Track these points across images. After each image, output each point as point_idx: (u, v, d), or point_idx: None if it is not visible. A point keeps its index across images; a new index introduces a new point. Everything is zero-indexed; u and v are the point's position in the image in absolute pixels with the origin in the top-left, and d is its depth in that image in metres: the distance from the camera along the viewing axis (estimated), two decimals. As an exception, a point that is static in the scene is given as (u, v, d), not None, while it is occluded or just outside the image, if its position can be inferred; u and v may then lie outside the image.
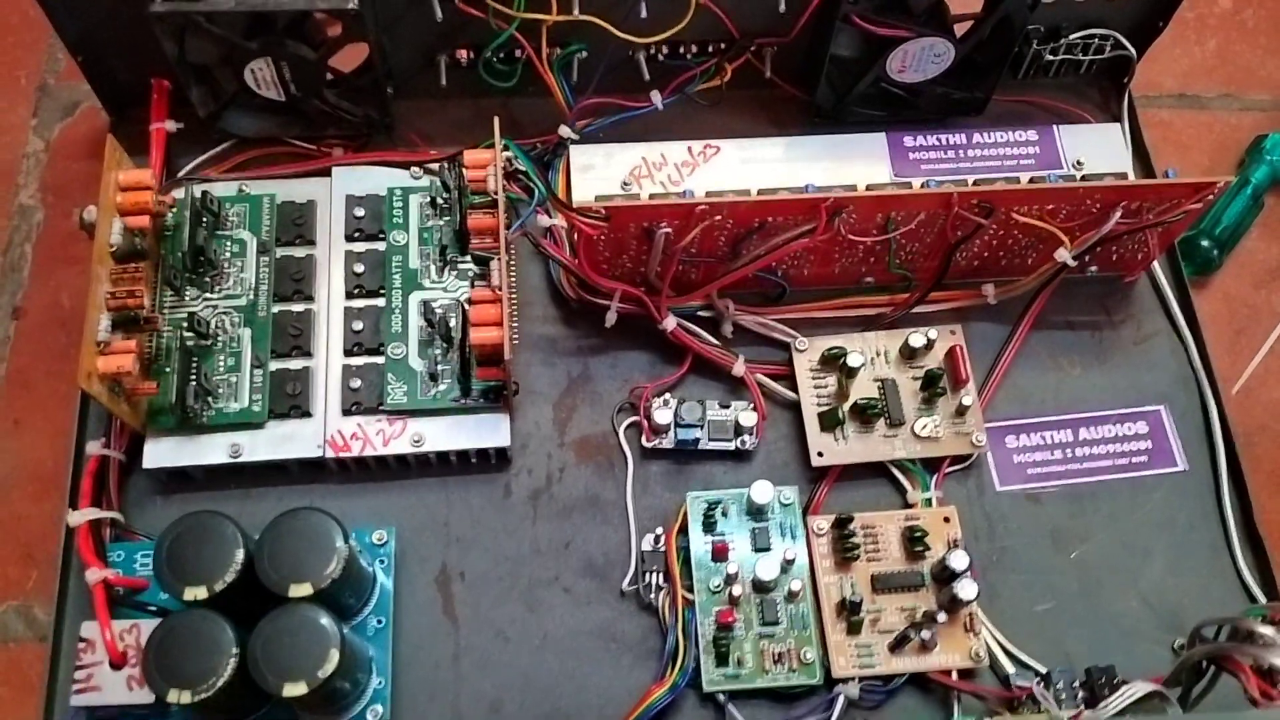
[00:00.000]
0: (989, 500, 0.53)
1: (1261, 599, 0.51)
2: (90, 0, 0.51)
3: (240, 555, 0.42)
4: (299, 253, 0.53)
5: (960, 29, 0.55)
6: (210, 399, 0.49)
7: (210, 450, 0.49)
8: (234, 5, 0.49)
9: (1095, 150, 0.58)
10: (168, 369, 0.49)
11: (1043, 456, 0.54)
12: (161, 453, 0.49)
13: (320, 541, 0.42)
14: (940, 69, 0.55)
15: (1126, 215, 0.50)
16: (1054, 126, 0.58)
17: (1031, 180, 0.56)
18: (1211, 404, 0.55)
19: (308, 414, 0.50)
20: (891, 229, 0.51)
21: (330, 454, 0.49)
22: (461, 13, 0.52)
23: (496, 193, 0.49)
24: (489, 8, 0.52)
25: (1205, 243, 0.58)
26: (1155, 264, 0.57)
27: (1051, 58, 0.59)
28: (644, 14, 0.53)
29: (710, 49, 0.57)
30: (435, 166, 0.55)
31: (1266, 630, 0.41)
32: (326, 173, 0.55)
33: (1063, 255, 0.52)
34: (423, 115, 0.58)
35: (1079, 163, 0.57)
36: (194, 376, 0.49)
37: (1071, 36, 0.58)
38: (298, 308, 0.52)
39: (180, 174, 0.55)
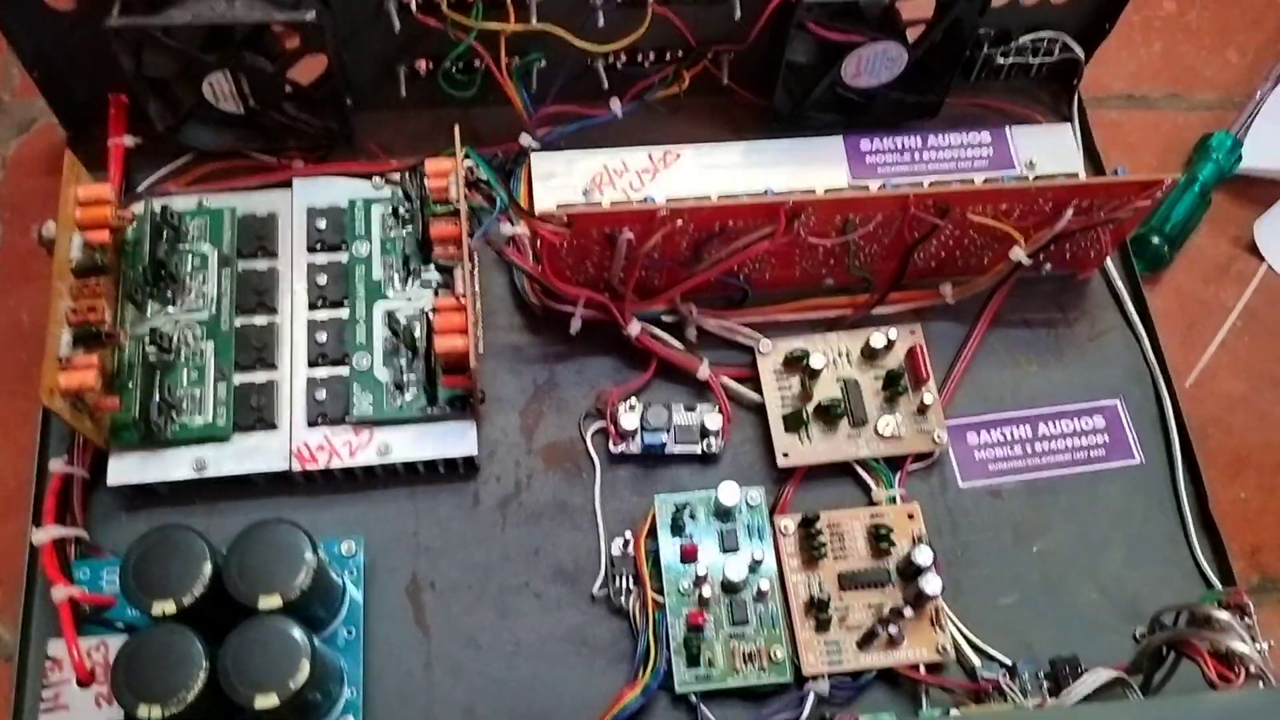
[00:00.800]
0: (951, 496, 0.53)
1: (1218, 585, 0.52)
2: (45, 15, 0.51)
3: (208, 568, 0.42)
4: (261, 265, 0.53)
5: (913, 34, 0.56)
6: (174, 414, 0.49)
7: (175, 465, 0.49)
8: (191, 19, 0.48)
9: (1047, 151, 0.59)
10: (130, 384, 0.48)
11: (1003, 452, 0.54)
12: (126, 469, 0.48)
13: (289, 553, 0.42)
14: (894, 73, 0.56)
15: (1078, 213, 0.52)
16: (1006, 128, 0.59)
17: (985, 181, 0.57)
18: (1165, 397, 0.56)
19: (273, 426, 0.49)
20: (850, 231, 0.52)
21: (297, 466, 0.49)
22: (420, 24, 0.52)
23: (458, 201, 0.50)
24: (447, 18, 0.52)
25: (1156, 240, 0.59)
26: (1108, 261, 0.58)
27: (1002, 61, 0.60)
28: (601, 23, 0.53)
29: (668, 56, 0.58)
30: (396, 176, 0.55)
31: (1222, 615, 0.42)
32: (288, 184, 0.55)
33: (1017, 254, 0.53)
34: (383, 126, 0.58)
35: (1031, 163, 0.58)
36: (157, 391, 0.49)
37: (1021, 39, 0.59)
38: (261, 320, 0.51)
39: (140, 188, 0.55)
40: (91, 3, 0.50)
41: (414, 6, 0.52)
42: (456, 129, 0.50)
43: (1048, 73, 0.62)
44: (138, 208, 0.52)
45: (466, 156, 0.52)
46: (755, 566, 0.49)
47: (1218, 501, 0.54)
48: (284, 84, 0.53)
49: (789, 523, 0.50)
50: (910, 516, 0.51)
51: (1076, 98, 0.62)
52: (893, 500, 0.52)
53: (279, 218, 0.54)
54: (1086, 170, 0.60)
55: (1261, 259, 0.62)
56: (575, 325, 0.53)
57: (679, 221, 0.49)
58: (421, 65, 0.56)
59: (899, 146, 0.59)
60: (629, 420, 0.52)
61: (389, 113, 0.58)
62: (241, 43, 0.50)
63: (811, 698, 0.47)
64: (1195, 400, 0.58)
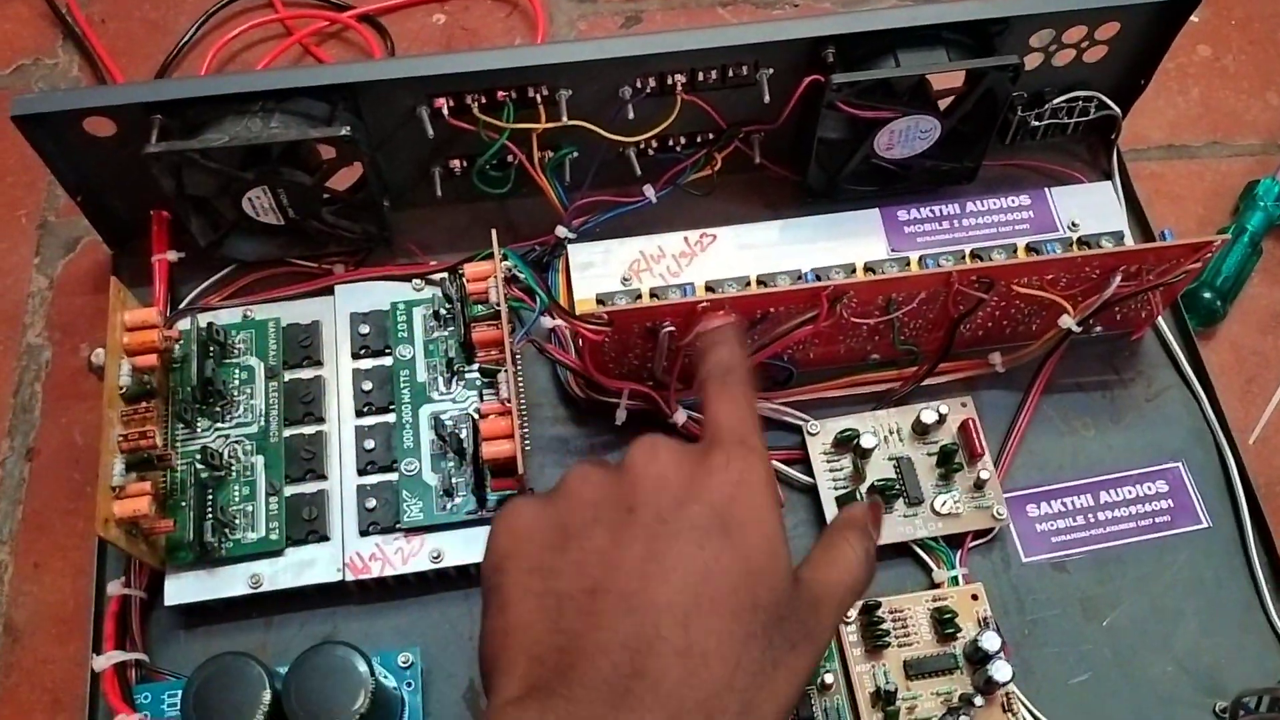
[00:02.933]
0: (1015, 573, 0.52)
1: (1299, 653, 0.50)
2: (85, 143, 0.52)
3: (267, 696, 0.41)
4: (307, 374, 0.53)
5: (945, 103, 0.55)
6: (227, 531, 0.49)
7: (230, 582, 0.49)
8: (228, 141, 0.49)
9: (1089, 210, 0.58)
10: (183, 504, 0.49)
11: (1065, 523, 0.53)
12: (182, 589, 0.49)
13: (346, 676, 0.42)
14: (928, 143, 0.56)
15: (1126, 279, 0.51)
16: (1046, 189, 0.58)
17: (1028, 245, 0.57)
18: (1229, 456, 0.54)
19: (325, 538, 0.49)
20: (893, 309, 0.51)
21: (350, 577, 0.49)
22: (452, 127, 0.53)
23: (499, 304, 0.50)
24: (479, 121, 0.53)
25: (1208, 294, 0.58)
26: (1160, 319, 0.57)
27: (1037, 123, 0.59)
28: (631, 115, 0.54)
29: (699, 139, 0.58)
30: (437, 277, 0.55)
31: (1308, 700, 0.40)
32: (330, 289, 0.56)
33: (1067, 322, 0.52)
34: (421, 224, 0.59)
35: (1074, 224, 0.57)
36: (210, 510, 0.49)
37: (1055, 101, 0.58)
38: (309, 430, 0.52)
39: (183, 304, 0.55)
40: (130, 129, 0.51)
41: (446, 111, 0.52)
42: (495, 235, 0.50)
43: (1085, 129, 0.61)
44: (184, 324, 0.52)
45: (505, 258, 0.52)
46: (817, 658, 0.48)
47: (1292, 562, 0.53)
48: (322, 194, 0.53)
49: (851, 610, 0.49)
50: (974, 597, 0.50)
51: (1116, 153, 0.61)
52: (955, 580, 0.51)
53: (323, 325, 0.54)
54: (1131, 227, 0.59)
55: (1319, 305, 0.60)
56: (620, 416, 0.53)
57: (720, 311, 0.49)
58: (456, 164, 0.57)
59: (937, 215, 0.58)
60: (680, 511, 0.51)
61: (426, 210, 0.59)
62: (278, 159, 0.51)
63: (883, 794, 0.46)
64: (1261, 457, 0.56)
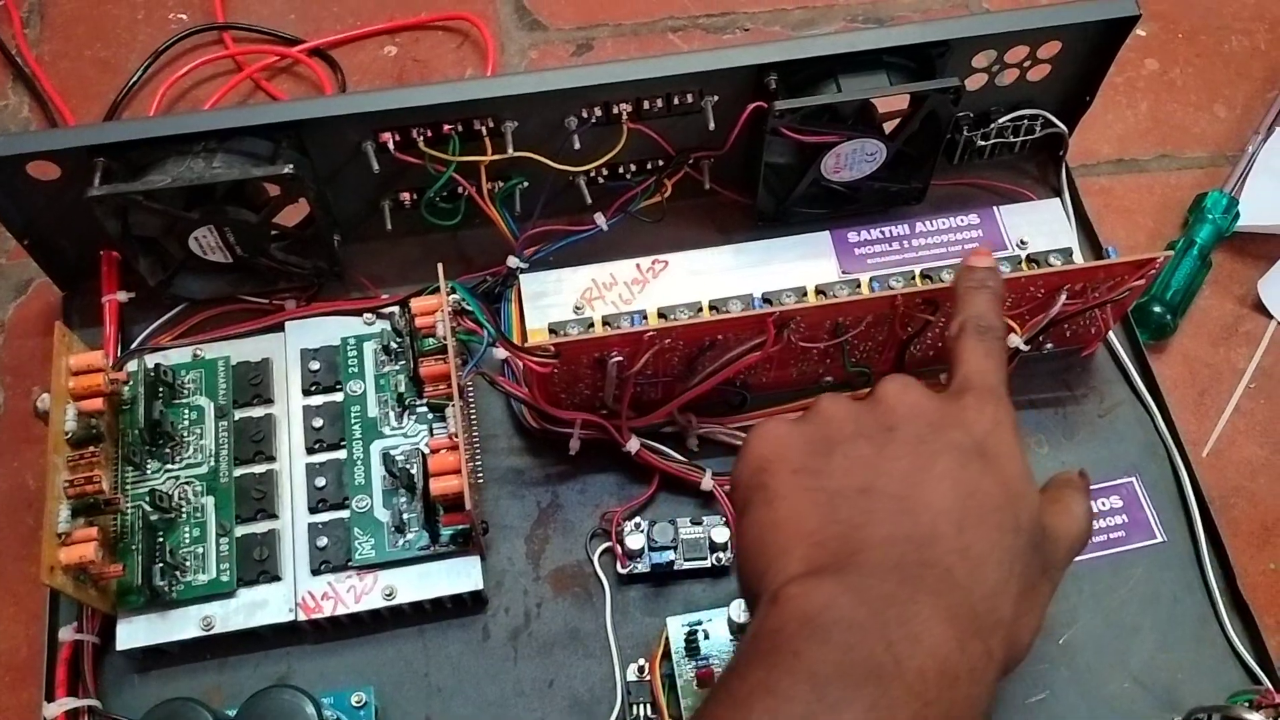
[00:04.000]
0: (971, 592, 0.52)
1: (1254, 664, 0.50)
2: (30, 187, 0.51)
3: (214, 742, 0.41)
4: (258, 412, 0.53)
5: (891, 125, 0.55)
6: (178, 573, 0.49)
7: (182, 625, 0.48)
8: (170, 182, 0.49)
9: (1038, 227, 0.58)
10: (133, 548, 0.48)
11: (1020, 541, 0.53)
12: (134, 633, 0.48)
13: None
14: (874, 165, 0.56)
15: (1072, 297, 0.51)
16: (994, 208, 0.59)
17: (978, 265, 0.57)
18: (1182, 470, 0.55)
19: (277, 578, 0.49)
20: (841, 333, 0.51)
21: (303, 616, 0.49)
22: (399, 161, 0.53)
23: (445, 339, 0.50)
24: (425, 155, 0.53)
25: (1158, 309, 0.58)
26: (1111, 334, 0.57)
27: (984, 142, 0.59)
28: (577, 145, 0.54)
29: (649, 166, 0.58)
30: (387, 311, 0.55)
31: (1254, 717, 0.41)
32: (281, 326, 0.55)
33: (1014, 341, 0.52)
34: (372, 257, 0.59)
35: (1023, 242, 0.58)
36: (159, 553, 0.49)
37: (1002, 120, 0.59)
38: (259, 469, 0.52)
39: (134, 344, 0.55)
40: (74, 172, 0.50)
41: (391, 146, 0.52)
42: (440, 268, 0.50)
43: (1033, 147, 0.61)
44: (132, 366, 0.52)
45: (453, 291, 0.52)
46: (773, 685, 0.48)
47: (1247, 574, 0.53)
48: (269, 231, 0.53)
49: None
50: (929, 618, 0.50)
51: (1064, 170, 0.61)
52: (910, 602, 0.51)
53: (273, 362, 0.54)
54: (1081, 243, 0.59)
55: (1270, 316, 0.60)
56: (574, 446, 0.53)
57: (667, 340, 0.49)
58: (406, 197, 0.57)
59: (887, 236, 0.58)
60: (635, 540, 0.51)
61: (377, 243, 0.59)
62: (223, 198, 0.51)
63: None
64: (1214, 470, 0.56)
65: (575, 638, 0.51)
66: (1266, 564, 0.55)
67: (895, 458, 0.37)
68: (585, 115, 0.54)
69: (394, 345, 0.54)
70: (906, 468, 0.37)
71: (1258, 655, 0.51)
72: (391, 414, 0.53)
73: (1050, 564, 0.38)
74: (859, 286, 0.56)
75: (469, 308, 0.53)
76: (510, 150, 0.53)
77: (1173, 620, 0.52)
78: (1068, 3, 0.55)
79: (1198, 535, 0.53)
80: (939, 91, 0.52)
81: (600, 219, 0.58)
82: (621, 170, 0.58)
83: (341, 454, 0.52)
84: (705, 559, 0.52)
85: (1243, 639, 0.51)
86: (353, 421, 0.52)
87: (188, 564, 0.49)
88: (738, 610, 0.49)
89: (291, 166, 0.49)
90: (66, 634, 0.48)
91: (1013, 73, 0.57)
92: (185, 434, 0.52)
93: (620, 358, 0.49)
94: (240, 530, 0.50)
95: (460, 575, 0.50)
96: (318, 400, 0.53)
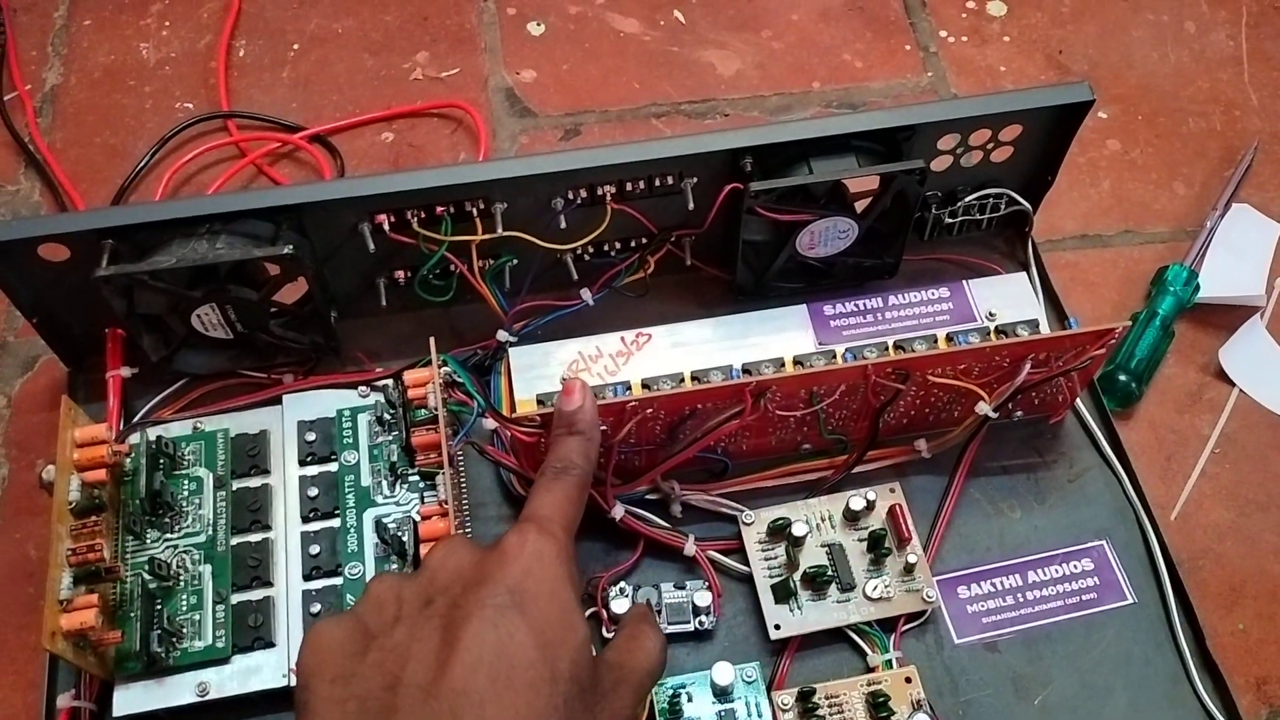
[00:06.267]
0: (948, 654, 0.53)
1: (1225, 725, 0.52)
2: (40, 268, 0.54)
3: (208, 804, 0.42)
4: (254, 483, 0.55)
5: (863, 204, 0.58)
6: (175, 641, 0.50)
7: (178, 691, 0.50)
8: (175, 262, 0.52)
9: (1005, 300, 0.61)
10: (132, 614, 0.50)
11: (995, 604, 0.55)
12: (130, 699, 0.49)
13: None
14: (847, 242, 0.59)
15: (1036, 366, 0.53)
16: (964, 281, 0.61)
17: (948, 335, 0.59)
18: (1151, 533, 0.56)
19: (271, 644, 0.51)
20: (816, 402, 0.53)
21: (295, 682, 0.50)
22: (394, 241, 0.56)
23: (436, 409, 0.52)
24: (419, 235, 0.55)
25: (1123, 377, 0.60)
26: (1079, 401, 0.59)
27: (952, 219, 0.62)
28: (563, 224, 0.57)
29: (632, 244, 0.61)
30: (382, 384, 0.57)
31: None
32: (279, 399, 0.58)
33: (983, 409, 0.54)
34: (368, 333, 0.61)
35: (991, 314, 0.60)
36: (157, 620, 0.50)
37: (968, 199, 0.62)
38: (256, 537, 0.53)
39: (137, 417, 0.57)
40: (83, 253, 0.53)
41: (387, 227, 0.55)
42: (433, 342, 0.53)
43: (999, 224, 0.64)
44: (134, 438, 0.54)
45: (444, 364, 0.54)
46: (755, 746, 0.49)
47: (1217, 634, 0.54)
48: (269, 308, 0.56)
49: (787, 697, 0.51)
50: (908, 680, 0.51)
51: (1030, 245, 0.64)
52: (889, 664, 0.52)
53: (271, 434, 0.56)
54: (1047, 315, 0.61)
55: (1231, 384, 0.63)
56: (561, 513, 0.55)
57: (649, 410, 0.51)
58: (400, 275, 0.59)
59: (861, 309, 0.61)
60: (620, 604, 0.53)
61: (373, 319, 0.61)
62: (225, 277, 0.53)
63: None
64: (1182, 533, 0.58)
65: (562, 701, 0.52)
66: (1235, 624, 0.56)
67: (426, 639, 0.37)
68: (571, 196, 0.56)
69: (387, 416, 0.56)
70: (435, 645, 0.36)
71: (1228, 714, 0.52)
72: (384, 483, 0.54)
73: (612, 709, 0.38)
74: (834, 357, 0.58)
75: (460, 380, 0.55)
76: (500, 230, 0.56)
77: (1145, 680, 0.53)
78: (1028, 89, 0.58)
79: (1167, 597, 0.55)
80: (905, 173, 0.55)
81: (586, 294, 0.60)
82: (606, 248, 0.60)
83: (336, 522, 0.54)
84: (688, 623, 0.53)
85: (1214, 698, 0.52)
86: (346, 490, 0.54)
87: (185, 630, 0.50)
88: (721, 673, 0.50)
89: (291, 247, 0.52)
90: (64, 701, 0.49)
91: (977, 154, 0.60)
92: (185, 504, 0.54)
93: (605, 427, 0.51)
94: (236, 598, 0.51)
95: (450, 640, 0.51)
96: (313, 470, 0.55)
